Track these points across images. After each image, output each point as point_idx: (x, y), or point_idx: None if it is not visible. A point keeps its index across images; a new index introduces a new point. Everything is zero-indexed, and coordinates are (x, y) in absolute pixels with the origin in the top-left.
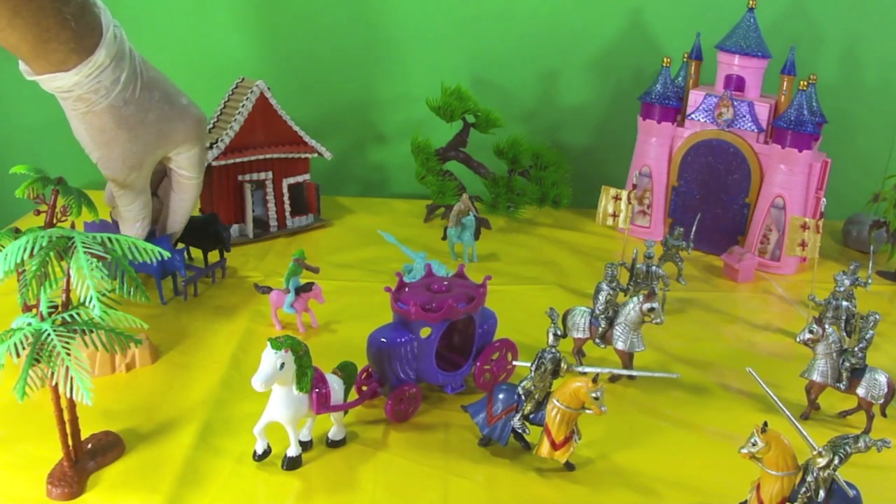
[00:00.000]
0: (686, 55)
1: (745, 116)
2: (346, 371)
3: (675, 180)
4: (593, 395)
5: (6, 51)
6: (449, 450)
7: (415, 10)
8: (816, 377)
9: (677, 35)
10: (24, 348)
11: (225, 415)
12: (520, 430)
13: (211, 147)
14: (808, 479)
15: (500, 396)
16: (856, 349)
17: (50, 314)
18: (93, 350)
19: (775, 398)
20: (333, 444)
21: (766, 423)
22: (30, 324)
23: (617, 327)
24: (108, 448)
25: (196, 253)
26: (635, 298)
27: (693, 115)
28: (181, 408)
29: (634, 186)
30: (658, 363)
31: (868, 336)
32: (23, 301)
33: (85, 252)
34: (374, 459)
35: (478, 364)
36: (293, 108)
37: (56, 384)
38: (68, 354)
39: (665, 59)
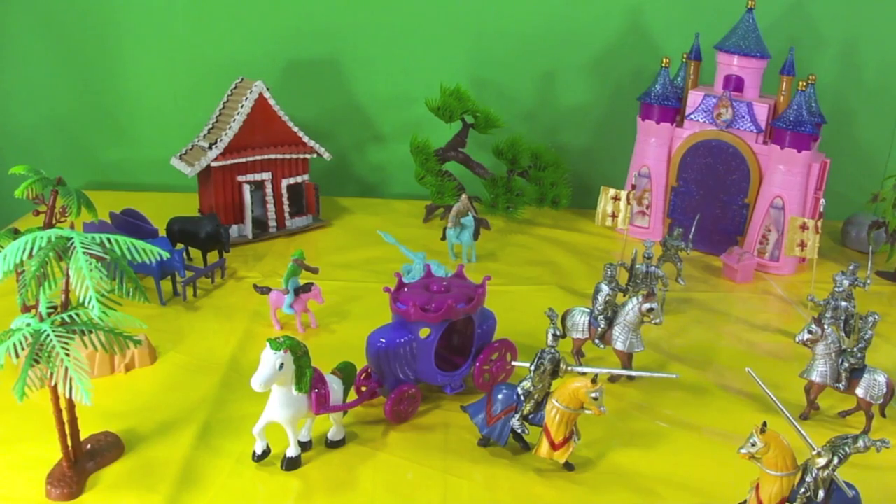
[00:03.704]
0: (685, 55)
1: (744, 117)
2: (345, 371)
3: (674, 181)
4: (592, 395)
5: (5, 50)
6: (448, 450)
7: (415, 10)
8: (816, 377)
9: (676, 35)
10: (23, 349)
11: (224, 415)
12: (519, 431)
13: (210, 147)
14: (808, 479)
15: (500, 397)
16: (855, 349)
17: (49, 315)
18: (92, 350)
19: (774, 398)
20: (333, 445)
21: (765, 424)
22: (29, 324)
23: (616, 328)
24: (108, 448)
25: (195, 253)
26: (634, 299)
27: (692, 116)
28: (181, 408)
29: (633, 187)
30: (657, 363)
31: (867, 336)
32: (22, 301)
33: (84, 252)
34: (373, 459)
35: (477, 364)
36: (293, 108)
37: (55, 384)
38: (67, 355)
39: (664, 60)
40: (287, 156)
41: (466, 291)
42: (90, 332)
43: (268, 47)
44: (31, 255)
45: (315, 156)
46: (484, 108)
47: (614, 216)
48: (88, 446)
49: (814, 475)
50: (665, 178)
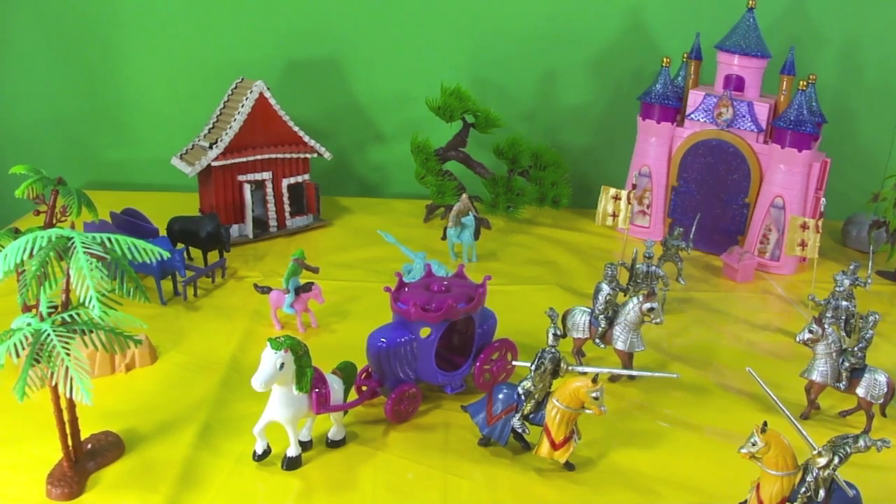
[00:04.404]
0: (686, 55)
1: (744, 116)
2: (345, 371)
3: (674, 180)
4: (593, 395)
5: (6, 50)
6: (449, 450)
7: (415, 10)
8: (816, 377)
9: (677, 35)
10: (23, 348)
11: (225, 415)
12: (519, 430)
13: (211, 147)
14: (808, 478)
15: (500, 396)
16: (855, 349)
17: (50, 314)
18: (92, 350)
19: (775, 398)
20: (333, 444)
21: (765, 423)
22: (29, 324)
23: (616, 327)
24: (108, 448)
25: (196, 253)
26: (635, 298)
27: (693, 115)
28: (181, 408)
29: (634, 186)
30: (658, 363)
31: (868, 336)
32: (22, 301)
33: (84, 252)
34: (373, 459)
35: (477, 364)
36: (293, 107)
37: (56, 384)
38: (68, 355)
39: (664, 59)
40: (287, 155)
41: (467, 291)
42: (91, 331)
43: (268, 47)
44: (31, 255)
45: (315, 155)
46: (484, 107)
47: (615, 216)
48: (89, 446)
49: (814, 475)
50: (665, 178)
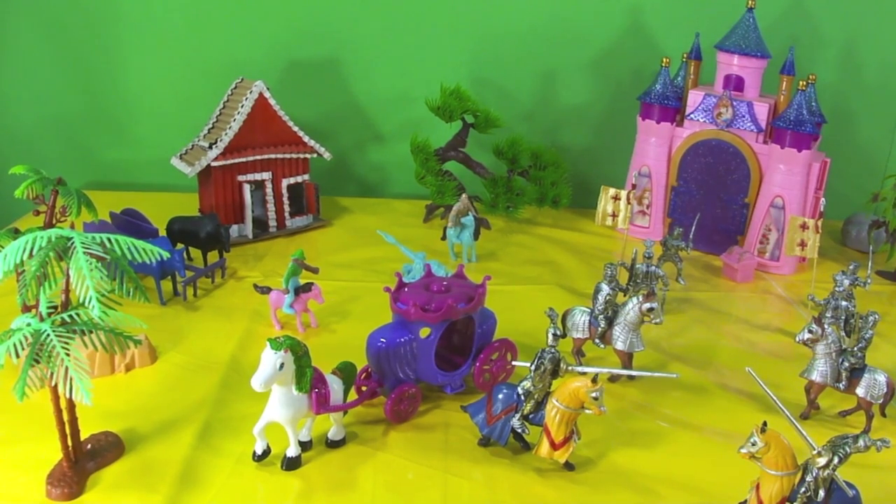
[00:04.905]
0: (685, 55)
1: (744, 116)
2: (345, 371)
3: (674, 180)
4: (593, 395)
5: (6, 50)
6: (448, 450)
7: (415, 11)
8: (816, 377)
9: (677, 35)
10: (23, 349)
11: (225, 415)
12: (519, 430)
13: (210, 147)
14: (808, 478)
15: (500, 396)
16: (855, 349)
17: (49, 314)
18: (92, 350)
19: (775, 398)
20: (333, 445)
21: (765, 423)
22: (29, 324)
23: (616, 327)
24: (108, 448)
25: (196, 253)
26: (635, 298)
27: (692, 115)
28: (181, 408)
29: (634, 186)
30: (658, 363)
31: (867, 336)
32: (22, 301)
33: (84, 252)
34: (373, 459)
35: (477, 364)
36: (293, 108)
37: (56, 384)
38: (68, 355)
39: (664, 60)
40: (287, 155)
41: (466, 291)
42: (90, 331)
43: (268, 47)
44: (31, 255)
45: (315, 155)
46: (484, 107)
47: (614, 216)
48: (89, 446)
49: (814, 475)
50: (665, 178)
